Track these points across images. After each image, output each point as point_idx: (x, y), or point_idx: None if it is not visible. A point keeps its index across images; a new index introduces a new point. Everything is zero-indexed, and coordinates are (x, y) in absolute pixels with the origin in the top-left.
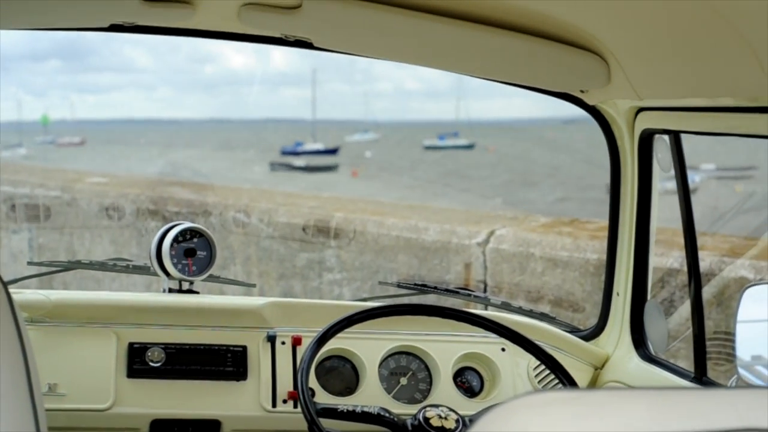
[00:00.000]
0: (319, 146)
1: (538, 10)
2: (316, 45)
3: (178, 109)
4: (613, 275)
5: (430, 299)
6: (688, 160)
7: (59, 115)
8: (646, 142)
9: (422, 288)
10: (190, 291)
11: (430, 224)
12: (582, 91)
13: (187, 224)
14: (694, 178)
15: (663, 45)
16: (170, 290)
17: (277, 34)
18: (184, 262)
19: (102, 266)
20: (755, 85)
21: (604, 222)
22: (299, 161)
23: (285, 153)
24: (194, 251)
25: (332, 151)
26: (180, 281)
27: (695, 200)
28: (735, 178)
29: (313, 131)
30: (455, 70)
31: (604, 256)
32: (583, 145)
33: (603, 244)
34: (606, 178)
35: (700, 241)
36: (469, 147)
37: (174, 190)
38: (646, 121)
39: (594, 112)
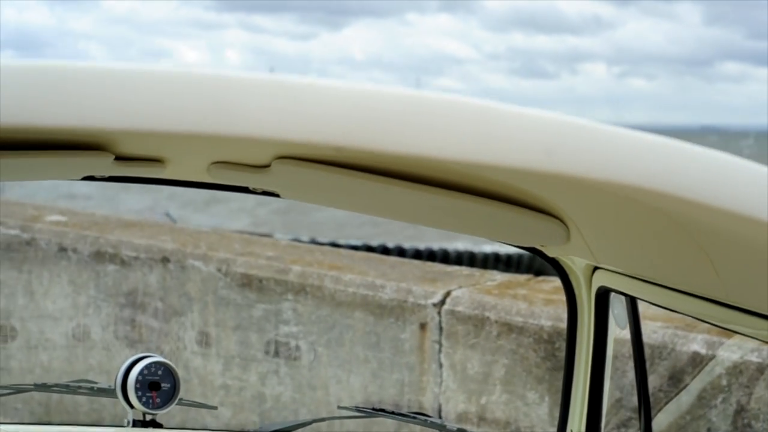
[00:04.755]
0: None
1: (502, 180)
2: (282, 197)
3: None
4: (567, 415)
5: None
6: None
7: None
8: (602, 297)
9: (380, 413)
10: (153, 422)
11: (387, 282)
12: (542, 246)
13: (154, 358)
14: None
15: (623, 231)
16: (134, 422)
17: (244, 185)
18: (148, 394)
19: (66, 388)
20: (710, 287)
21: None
22: None
23: None
24: (158, 384)
25: None
26: (144, 413)
27: None
28: None
29: None
30: (422, 224)
31: (559, 324)
32: None
33: (557, 310)
34: None
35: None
36: None
37: (133, 232)
38: (603, 279)
39: (553, 262)
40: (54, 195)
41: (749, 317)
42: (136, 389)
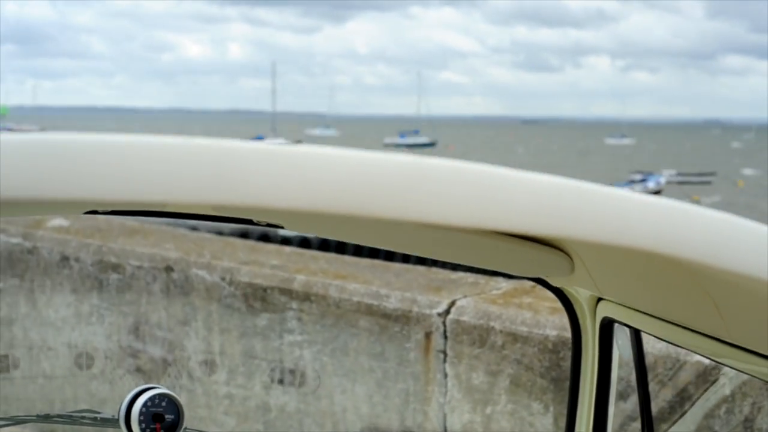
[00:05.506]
0: (280, 140)
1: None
2: (286, 228)
3: (136, 97)
4: None
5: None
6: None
7: (17, 100)
8: (607, 328)
9: None
10: None
11: (391, 291)
12: (546, 276)
13: (158, 390)
14: (659, 180)
15: (627, 268)
16: None
17: (248, 218)
18: (152, 426)
19: (69, 419)
20: (713, 326)
21: None
22: None
23: None
24: (162, 416)
25: None
26: None
27: None
28: (694, 184)
29: (273, 125)
30: (428, 256)
31: (564, 333)
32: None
33: (562, 320)
34: None
35: None
36: (431, 145)
37: (136, 240)
38: (607, 310)
39: (557, 292)
40: None
41: (752, 356)
42: (140, 421)
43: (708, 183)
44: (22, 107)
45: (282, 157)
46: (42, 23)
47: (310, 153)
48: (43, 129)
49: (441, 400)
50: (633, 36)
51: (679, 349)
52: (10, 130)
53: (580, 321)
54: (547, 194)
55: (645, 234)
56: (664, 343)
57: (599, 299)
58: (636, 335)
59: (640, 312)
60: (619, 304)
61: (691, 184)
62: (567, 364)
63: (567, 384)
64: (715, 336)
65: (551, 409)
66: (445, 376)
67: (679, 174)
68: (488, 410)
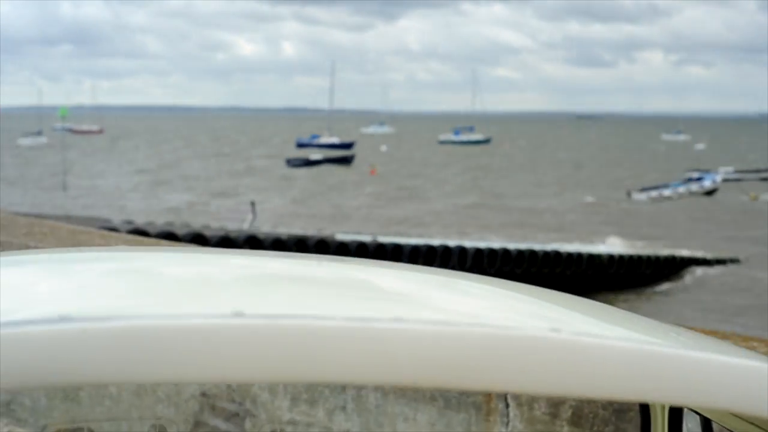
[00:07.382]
0: (334, 140)
1: None
2: None
3: (192, 95)
4: None
5: None
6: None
7: (76, 100)
8: (676, 412)
9: None
10: None
11: None
12: None
13: None
14: (715, 178)
15: None
16: None
17: None
18: None
19: None
20: None
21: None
22: (316, 155)
23: (300, 145)
24: None
25: (348, 145)
26: None
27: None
28: (752, 181)
29: (329, 123)
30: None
31: None
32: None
33: None
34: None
35: None
36: (485, 142)
37: None
38: None
39: None
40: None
41: None
42: None
43: (766, 179)
44: (81, 107)
45: (367, 335)
46: (97, 23)
47: (396, 330)
48: (102, 128)
49: (503, 430)
50: (686, 30)
51: None
52: (70, 130)
53: (650, 405)
54: (629, 363)
55: (728, 398)
56: None
57: None
58: (706, 423)
59: None
60: None
61: (749, 181)
62: None
63: (630, 415)
64: None
65: None
66: (507, 405)
67: (736, 171)
68: None
